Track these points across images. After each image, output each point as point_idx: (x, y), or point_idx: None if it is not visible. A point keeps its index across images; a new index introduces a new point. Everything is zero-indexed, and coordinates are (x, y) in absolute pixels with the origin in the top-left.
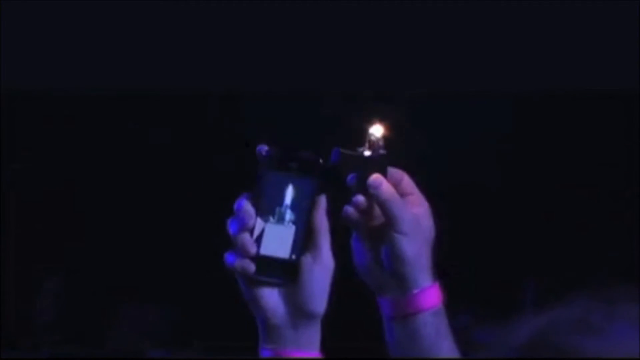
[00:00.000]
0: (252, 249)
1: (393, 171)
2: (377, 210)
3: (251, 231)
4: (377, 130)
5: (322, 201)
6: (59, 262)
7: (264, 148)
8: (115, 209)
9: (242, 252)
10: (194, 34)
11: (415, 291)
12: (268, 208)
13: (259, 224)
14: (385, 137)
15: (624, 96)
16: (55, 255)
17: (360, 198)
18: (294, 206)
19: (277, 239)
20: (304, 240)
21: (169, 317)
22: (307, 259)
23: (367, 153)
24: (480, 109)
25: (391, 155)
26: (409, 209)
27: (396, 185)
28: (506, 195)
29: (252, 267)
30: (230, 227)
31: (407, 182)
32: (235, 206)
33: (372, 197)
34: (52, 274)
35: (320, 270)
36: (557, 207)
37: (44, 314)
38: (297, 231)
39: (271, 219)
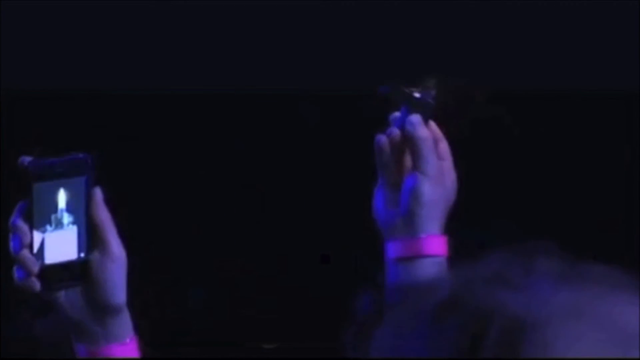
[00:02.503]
0: (34, 266)
1: (434, 127)
2: (407, 157)
3: (31, 247)
4: (433, 80)
5: (97, 194)
6: None
7: (25, 159)
8: (116, 209)
9: (26, 270)
10: (194, 34)
11: (423, 235)
12: (43, 218)
13: (38, 236)
14: (438, 89)
15: (624, 96)
16: None
17: (395, 130)
18: (70, 208)
19: (60, 245)
20: (89, 238)
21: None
22: (95, 255)
23: (417, 94)
24: (477, 108)
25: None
26: (438, 164)
27: (435, 140)
28: (506, 195)
29: (37, 285)
30: (11, 245)
31: (444, 147)
32: (10, 223)
33: (407, 133)
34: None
35: (112, 263)
36: (557, 207)
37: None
38: (79, 231)
39: (49, 227)
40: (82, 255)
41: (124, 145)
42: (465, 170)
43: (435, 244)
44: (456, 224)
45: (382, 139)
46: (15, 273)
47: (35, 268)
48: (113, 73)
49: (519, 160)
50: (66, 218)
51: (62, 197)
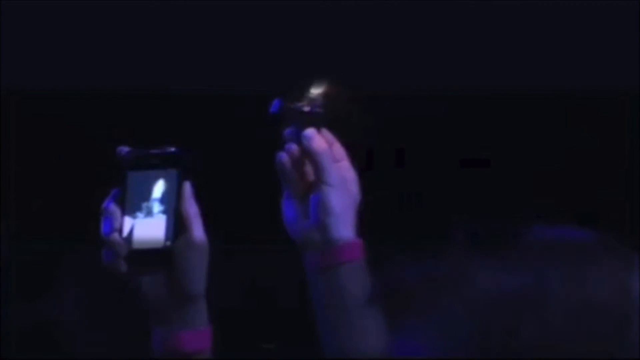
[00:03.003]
0: (123, 249)
1: (326, 133)
2: (308, 168)
3: (120, 230)
4: (316, 89)
5: (187, 188)
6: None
7: (123, 149)
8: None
9: (114, 252)
10: (194, 34)
11: (339, 243)
12: (135, 205)
13: (128, 221)
14: (323, 97)
15: (624, 96)
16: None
17: (293, 146)
18: (161, 198)
19: (148, 232)
20: (176, 228)
21: None
22: (180, 244)
23: (305, 108)
24: (479, 108)
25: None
26: (338, 170)
27: (329, 145)
28: (504, 195)
29: (123, 266)
30: (102, 228)
31: (338, 148)
32: (102, 207)
33: (304, 147)
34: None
35: (195, 253)
36: (556, 207)
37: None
38: (167, 220)
39: (139, 214)
40: (168, 244)
41: (124, 145)
42: (465, 171)
43: (351, 250)
44: (457, 225)
45: (283, 156)
46: (104, 255)
47: (124, 251)
48: (113, 73)
49: (519, 160)
50: (156, 207)
51: (154, 187)
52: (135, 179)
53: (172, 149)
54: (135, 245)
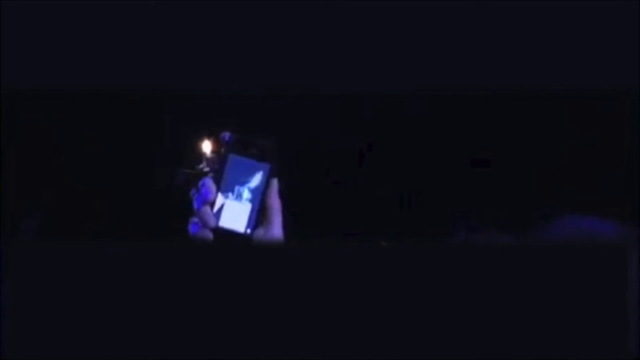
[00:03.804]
0: (212, 221)
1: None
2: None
3: (212, 205)
4: (207, 147)
5: (275, 183)
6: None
7: (227, 134)
8: (117, 210)
9: (203, 224)
10: (195, 34)
11: None
12: (228, 186)
13: (220, 200)
14: (216, 153)
15: (624, 96)
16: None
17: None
18: (252, 187)
19: (235, 214)
20: (258, 218)
21: None
22: (260, 233)
23: (206, 169)
24: (479, 108)
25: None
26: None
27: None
28: (503, 195)
29: (210, 237)
30: (195, 202)
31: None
32: (199, 184)
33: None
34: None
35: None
36: (556, 206)
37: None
38: (252, 209)
39: (230, 196)
40: (249, 231)
41: (124, 145)
42: (465, 170)
43: None
44: (457, 223)
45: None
46: (191, 228)
47: (213, 223)
48: (113, 73)
49: (519, 160)
50: (246, 194)
51: (247, 175)
52: (234, 163)
53: (270, 144)
54: (222, 223)
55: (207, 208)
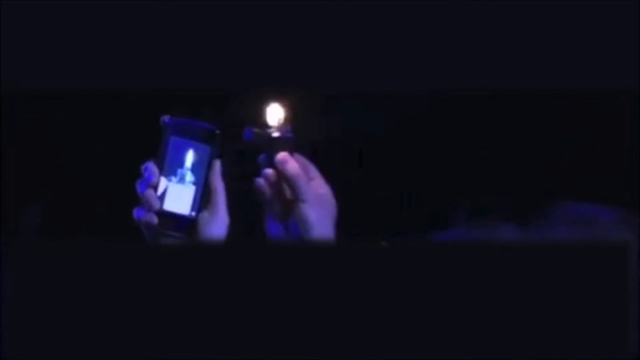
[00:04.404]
0: (156, 204)
1: (298, 157)
2: (285, 189)
3: (155, 189)
4: (281, 114)
5: (218, 165)
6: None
7: (167, 117)
8: (117, 210)
9: (148, 207)
10: (195, 34)
11: None
12: (171, 169)
13: (163, 183)
14: (291, 121)
15: (624, 96)
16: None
17: (268, 171)
18: (193, 169)
19: (178, 197)
20: (202, 199)
21: None
22: (205, 216)
23: (275, 134)
24: (478, 108)
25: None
26: (313, 187)
27: (301, 166)
28: (506, 195)
29: (155, 219)
30: (138, 187)
31: (310, 168)
32: (142, 168)
33: (279, 171)
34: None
35: (217, 226)
36: (555, 197)
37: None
38: (196, 191)
39: (173, 178)
40: (193, 213)
41: (124, 145)
42: (464, 170)
43: None
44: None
45: (260, 181)
46: (136, 212)
47: (157, 205)
48: (113, 73)
49: (518, 159)
50: (189, 176)
51: (189, 157)
52: (175, 145)
53: (212, 126)
54: (166, 207)
55: (150, 191)
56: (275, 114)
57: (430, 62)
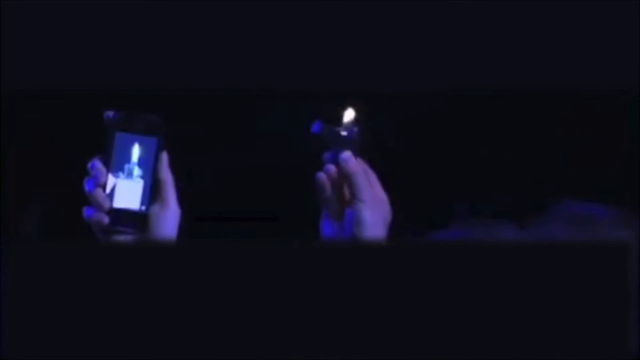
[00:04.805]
0: (106, 203)
1: (362, 162)
2: (344, 189)
3: (104, 187)
4: (352, 114)
5: (165, 157)
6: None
7: (110, 113)
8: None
9: (97, 207)
10: (195, 34)
11: None
12: (118, 165)
13: (111, 180)
14: (358, 121)
15: (624, 96)
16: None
17: (331, 167)
18: (140, 163)
19: (128, 193)
20: (152, 194)
21: None
22: (155, 209)
23: (343, 132)
24: (477, 108)
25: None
26: (372, 190)
27: (363, 170)
28: (506, 195)
29: (106, 219)
30: (86, 186)
31: (371, 174)
32: (89, 166)
33: (342, 168)
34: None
35: (168, 218)
36: (554, 195)
37: None
38: (145, 185)
39: (121, 175)
40: (144, 208)
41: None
42: (467, 171)
43: None
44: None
45: (322, 176)
46: (86, 212)
47: (107, 204)
48: (113, 73)
49: (518, 159)
50: (136, 171)
51: (136, 151)
52: (121, 141)
53: (155, 118)
54: (116, 204)
55: (99, 191)
56: (347, 113)
57: (431, 63)
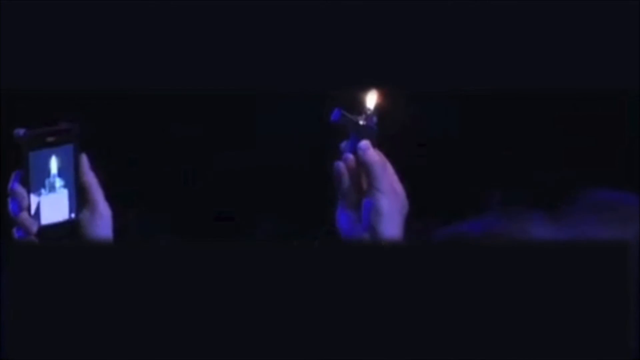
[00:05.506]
0: (33, 227)
1: (380, 152)
2: (361, 179)
3: (29, 209)
4: (371, 103)
5: (84, 160)
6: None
7: (20, 131)
8: (117, 210)
9: (25, 230)
10: (195, 34)
11: None
12: (38, 183)
13: (34, 199)
14: (378, 110)
15: (623, 96)
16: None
17: (349, 155)
18: (61, 173)
19: (54, 207)
20: (79, 199)
21: None
22: (85, 214)
23: (362, 122)
24: (479, 108)
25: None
26: (390, 181)
27: (381, 160)
28: (506, 195)
29: (36, 239)
30: (10, 208)
31: (389, 166)
32: (9, 187)
33: (359, 157)
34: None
35: (99, 220)
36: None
37: None
38: (70, 193)
39: (43, 191)
40: (73, 215)
41: (124, 145)
42: (468, 172)
43: None
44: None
45: (340, 165)
46: (16, 233)
47: (34, 228)
48: (113, 73)
49: (518, 159)
50: (58, 182)
51: (54, 164)
52: (36, 158)
53: (65, 125)
54: (44, 221)
55: (24, 214)
56: (367, 102)
57: (431, 63)
